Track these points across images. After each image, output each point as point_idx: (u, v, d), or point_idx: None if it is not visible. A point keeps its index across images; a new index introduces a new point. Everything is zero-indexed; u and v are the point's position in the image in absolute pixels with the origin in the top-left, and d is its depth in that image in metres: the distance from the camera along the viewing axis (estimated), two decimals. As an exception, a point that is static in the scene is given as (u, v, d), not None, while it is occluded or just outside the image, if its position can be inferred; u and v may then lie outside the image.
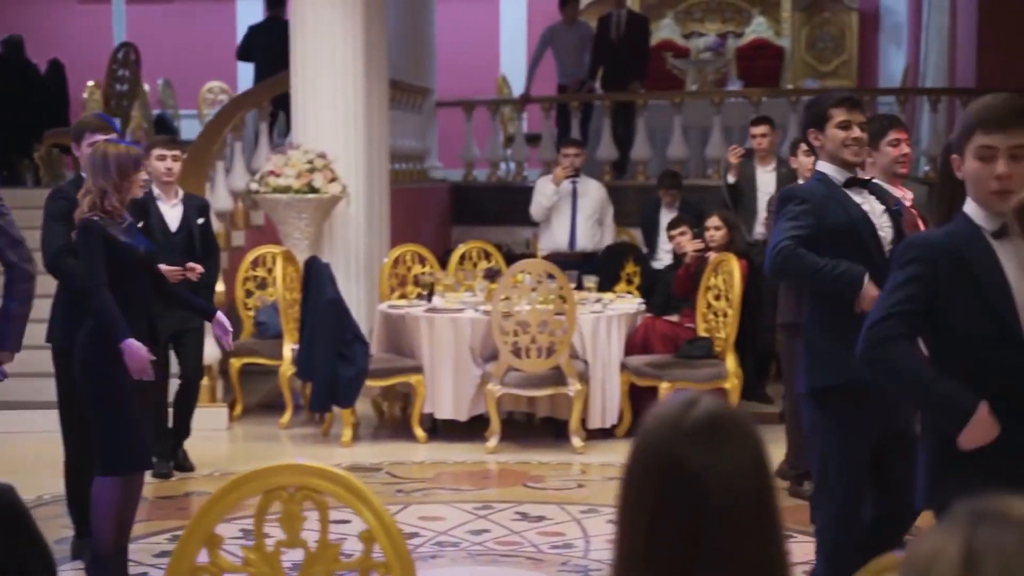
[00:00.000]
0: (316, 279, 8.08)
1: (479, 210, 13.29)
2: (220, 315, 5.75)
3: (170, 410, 7.46)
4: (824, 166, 4.41)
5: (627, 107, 12.77)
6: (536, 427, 8.61)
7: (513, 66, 16.20)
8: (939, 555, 1.27)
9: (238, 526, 5.10)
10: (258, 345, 8.98)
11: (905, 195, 5.29)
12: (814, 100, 4.58)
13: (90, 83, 13.76)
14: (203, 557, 2.33)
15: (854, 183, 4.35)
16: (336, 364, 8.00)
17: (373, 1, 10.07)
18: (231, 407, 8.82)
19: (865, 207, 4.33)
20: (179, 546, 2.29)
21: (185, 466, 7.48)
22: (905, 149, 5.24)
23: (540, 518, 6.45)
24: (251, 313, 9.32)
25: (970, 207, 3.20)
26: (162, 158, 7.20)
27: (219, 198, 9.92)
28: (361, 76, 9.75)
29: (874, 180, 4.58)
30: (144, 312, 5.24)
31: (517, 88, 15.39)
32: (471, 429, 8.23)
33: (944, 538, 1.28)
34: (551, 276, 7.97)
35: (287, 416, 8.60)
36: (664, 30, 15.61)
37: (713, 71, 14.16)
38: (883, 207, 4.39)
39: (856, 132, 4.34)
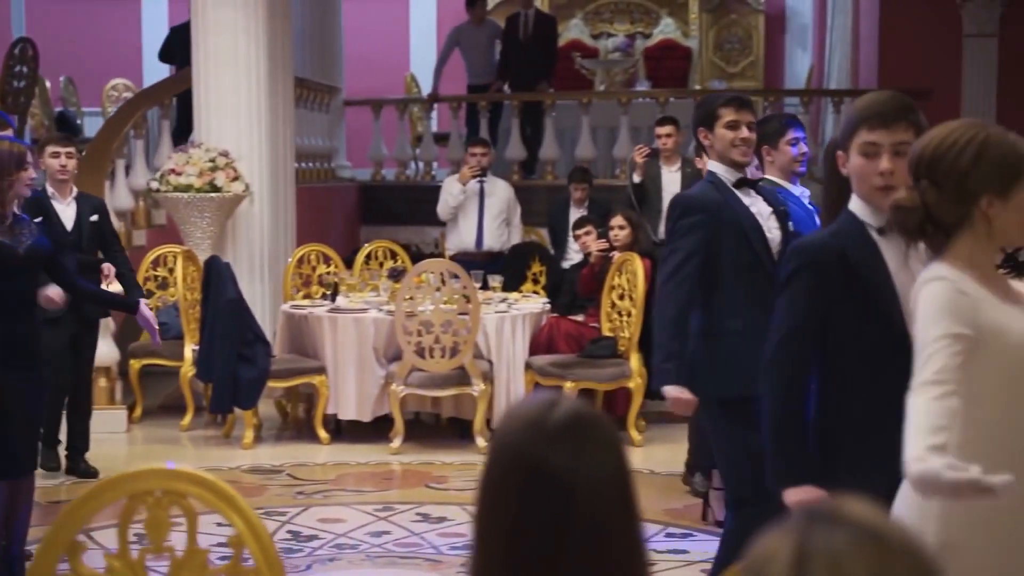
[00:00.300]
0: (216, 279, 7.97)
1: (388, 210, 13.21)
2: (143, 307, 5.69)
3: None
4: (715, 166, 4.42)
5: (535, 107, 12.76)
6: (442, 428, 8.57)
7: (423, 65, 16.09)
8: (772, 556, 1.26)
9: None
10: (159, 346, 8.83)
11: (803, 193, 5.32)
12: (703, 99, 4.58)
13: (-11, 80, 13.47)
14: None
15: (743, 184, 4.36)
16: (236, 365, 7.90)
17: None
18: (131, 409, 8.67)
19: (753, 209, 4.34)
20: (39, 552, 2.22)
21: (89, 472, 7.32)
22: (804, 148, 5.27)
23: (441, 519, 6.40)
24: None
25: (855, 203, 3.21)
26: (56, 155, 7.08)
27: (119, 196, 9.77)
28: (265, 74, 9.63)
29: (762, 181, 4.59)
30: (26, 314, 5.11)
31: (426, 87, 15.34)
32: (376, 430, 8.16)
33: (778, 539, 1.27)
34: (455, 276, 7.93)
35: (188, 418, 8.47)
36: (573, 30, 15.64)
37: (621, 71, 14.20)
38: (771, 209, 4.40)
39: (744, 132, 4.34)
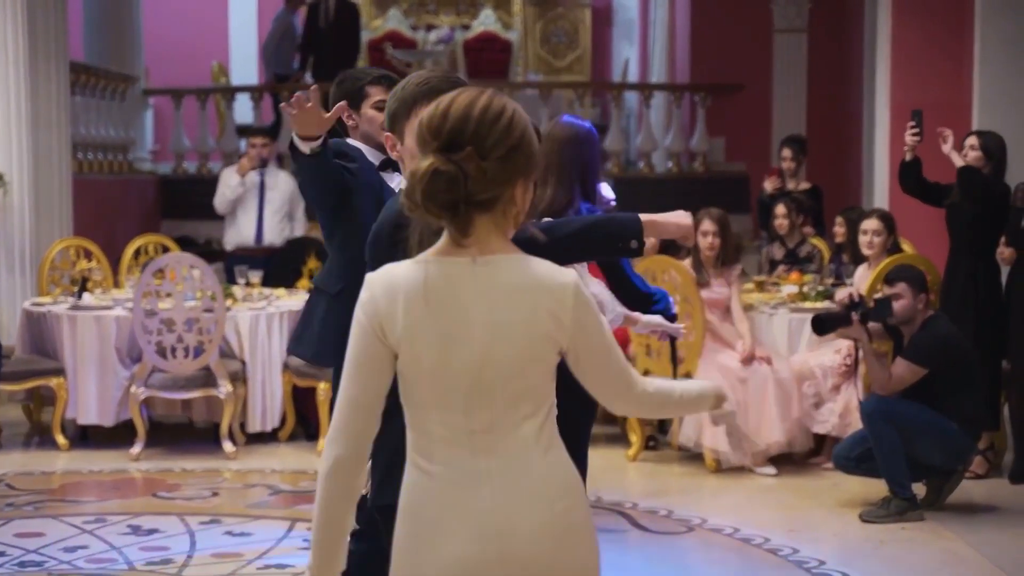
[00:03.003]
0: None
1: (189, 203, 12.67)
2: None
3: None
4: (358, 145, 4.08)
5: (338, 97, 12.32)
6: (200, 432, 8.11)
7: (242, 54, 15.67)
8: None
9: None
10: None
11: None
12: (348, 76, 4.23)
13: None
14: None
15: (388, 165, 4.02)
16: (-36, 366, 7.37)
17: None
18: None
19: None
20: None
21: None
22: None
23: (152, 531, 5.96)
24: None
25: None
26: None
27: None
28: (25, 58, 9.09)
29: None
30: None
31: (239, 76, 14.86)
32: (128, 436, 7.64)
33: None
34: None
35: (-75, 423, 7.92)
36: (391, 21, 15.23)
37: (432, 63, 13.81)
38: None
39: None
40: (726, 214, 7.30)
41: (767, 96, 12.80)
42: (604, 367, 2.46)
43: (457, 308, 2.37)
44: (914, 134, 6.90)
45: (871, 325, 6.22)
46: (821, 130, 12.49)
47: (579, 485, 2.46)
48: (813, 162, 12.49)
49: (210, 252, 11.23)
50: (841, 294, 6.46)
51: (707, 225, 7.21)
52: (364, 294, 2.40)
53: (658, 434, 7.71)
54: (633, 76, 15.35)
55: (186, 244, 11.56)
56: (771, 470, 6.96)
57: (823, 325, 6.14)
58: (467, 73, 14.79)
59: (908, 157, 7.01)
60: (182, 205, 12.71)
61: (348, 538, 2.44)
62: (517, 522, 2.37)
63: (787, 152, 9.50)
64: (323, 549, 2.42)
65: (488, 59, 15.11)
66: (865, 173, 11.62)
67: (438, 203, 2.33)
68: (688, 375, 7.06)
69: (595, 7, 16.30)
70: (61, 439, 7.62)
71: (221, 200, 9.80)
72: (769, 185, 9.43)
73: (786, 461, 7.13)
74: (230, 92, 13.13)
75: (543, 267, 2.41)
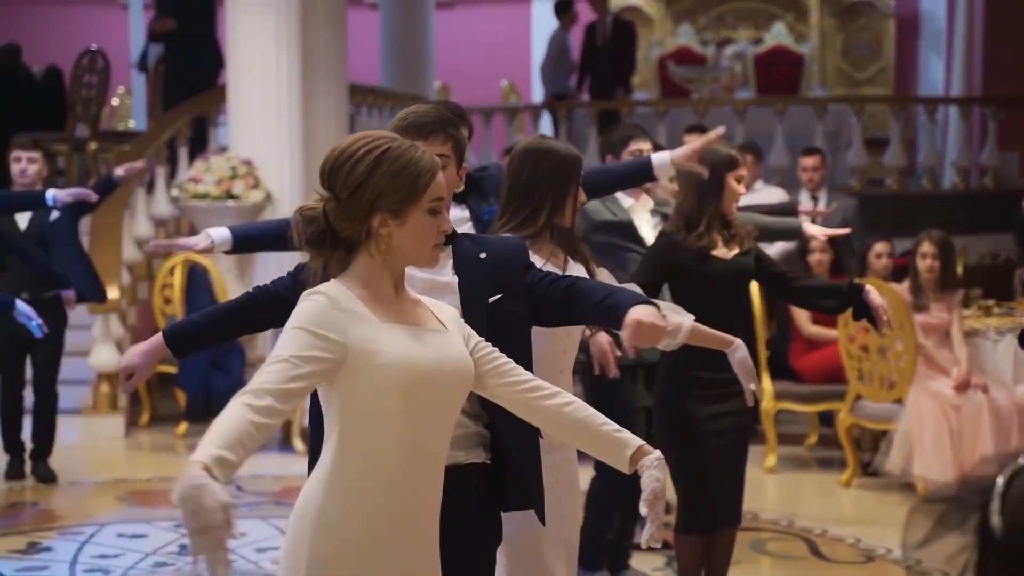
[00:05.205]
0: (193, 288, 8.02)
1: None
2: (19, 304, 5.84)
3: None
4: None
5: (613, 115, 12.46)
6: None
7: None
8: None
9: None
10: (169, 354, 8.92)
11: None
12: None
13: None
14: None
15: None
16: (209, 374, 7.92)
17: (325, 7, 10.01)
18: (138, 415, 8.84)
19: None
20: None
21: (47, 477, 7.37)
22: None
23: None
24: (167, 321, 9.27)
25: None
26: (18, 159, 7.24)
27: (159, 204, 9.93)
28: (296, 80, 9.63)
29: None
30: None
31: (538, 95, 15.19)
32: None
33: None
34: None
35: (184, 425, 8.52)
36: (682, 36, 15.23)
37: (711, 79, 13.70)
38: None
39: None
40: (948, 237, 6.96)
41: (1066, 109, 12.09)
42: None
43: None
44: None
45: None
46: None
47: (315, 516, 2.64)
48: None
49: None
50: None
51: (926, 247, 6.90)
52: None
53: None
54: (938, 88, 14.79)
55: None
56: (986, 504, 6.60)
57: None
58: (756, 88, 14.64)
59: None
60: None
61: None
62: None
63: (1053, 169, 8.98)
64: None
65: (779, 73, 14.87)
66: None
67: (308, 242, 2.56)
68: (899, 400, 6.81)
69: (900, 17, 15.76)
70: (299, 444, 8.06)
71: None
72: (1029, 204, 8.95)
73: (1008, 495, 6.74)
74: (511, 111, 13.46)
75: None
